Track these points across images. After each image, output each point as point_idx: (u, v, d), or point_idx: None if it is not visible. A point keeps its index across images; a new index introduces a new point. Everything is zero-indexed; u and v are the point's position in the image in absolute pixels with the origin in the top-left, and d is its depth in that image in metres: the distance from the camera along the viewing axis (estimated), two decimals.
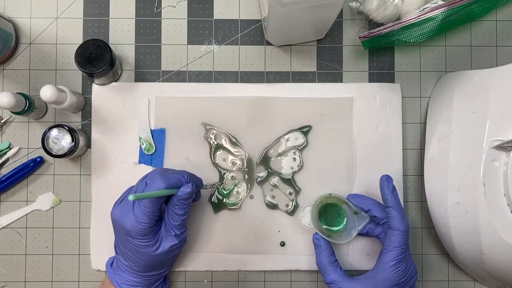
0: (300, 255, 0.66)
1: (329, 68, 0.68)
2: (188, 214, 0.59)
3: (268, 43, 0.68)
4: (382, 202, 0.62)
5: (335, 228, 0.63)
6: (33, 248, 0.66)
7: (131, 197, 0.51)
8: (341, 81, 0.68)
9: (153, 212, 0.56)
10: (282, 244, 0.66)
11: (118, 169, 0.66)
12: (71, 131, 0.61)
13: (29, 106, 0.62)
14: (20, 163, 0.66)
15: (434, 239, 0.68)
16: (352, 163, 0.67)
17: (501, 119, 0.58)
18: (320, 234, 0.62)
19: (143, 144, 0.66)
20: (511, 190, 0.57)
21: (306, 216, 0.64)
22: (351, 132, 0.67)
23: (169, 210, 0.58)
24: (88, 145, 0.67)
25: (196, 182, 0.60)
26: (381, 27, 0.63)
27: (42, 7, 0.68)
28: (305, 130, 0.67)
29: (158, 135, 0.66)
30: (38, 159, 0.66)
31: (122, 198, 0.60)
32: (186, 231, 0.60)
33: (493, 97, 0.59)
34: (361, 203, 0.62)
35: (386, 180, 0.60)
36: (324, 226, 0.63)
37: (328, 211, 0.63)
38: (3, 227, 0.66)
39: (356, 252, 0.66)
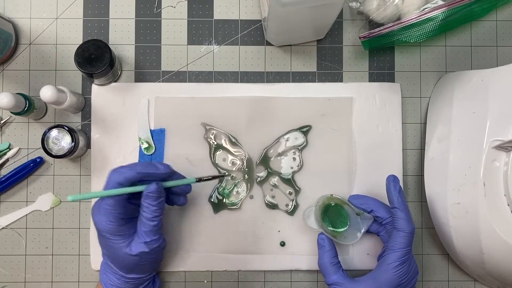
0: (300, 255, 0.66)
1: (329, 68, 0.68)
2: (159, 219, 0.55)
3: (268, 43, 0.68)
4: (383, 201, 0.62)
5: (340, 230, 0.63)
6: (33, 249, 0.66)
7: (69, 198, 0.51)
8: (341, 81, 0.68)
9: (115, 211, 0.54)
10: (282, 244, 0.66)
11: None
12: (71, 131, 0.61)
13: (29, 107, 0.62)
14: (20, 163, 0.66)
15: (434, 239, 0.68)
16: (352, 162, 0.67)
17: (501, 119, 0.58)
18: (326, 234, 0.61)
19: (142, 144, 0.66)
20: (511, 190, 0.57)
21: (310, 217, 0.64)
22: (351, 132, 0.67)
23: (140, 213, 0.55)
24: (88, 145, 0.67)
25: (161, 176, 0.55)
26: (381, 27, 0.63)
27: (42, 7, 0.68)
28: (305, 130, 0.67)
29: (158, 135, 0.66)
30: (38, 160, 0.66)
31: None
32: (160, 238, 0.56)
33: (493, 97, 0.59)
34: (363, 204, 0.62)
35: (392, 180, 0.59)
36: (330, 228, 0.62)
37: (330, 212, 0.63)
38: (3, 228, 0.66)
39: (356, 252, 0.66)
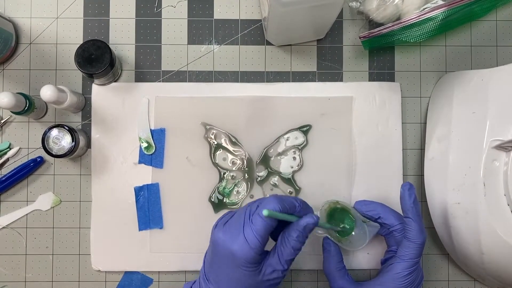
0: (300, 255, 0.66)
1: (329, 68, 0.68)
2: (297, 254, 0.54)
3: (268, 43, 0.68)
4: (387, 202, 0.61)
5: (345, 235, 0.61)
6: (33, 248, 0.66)
7: (265, 212, 0.48)
8: (341, 81, 0.68)
9: (265, 238, 0.51)
10: None
11: (118, 169, 0.66)
12: (71, 131, 0.61)
13: (29, 106, 0.62)
14: (20, 163, 0.66)
15: (434, 239, 0.68)
16: (351, 162, 0.67)
17: (501, 119, 0.58)
18: (331, 238, 0.61)
19: (143, 144, 0.66)
20: (511, 190, 0.57)
21: None
22: (351, 131, 0.67)
23: (285, 242, 0.53)
24: (88, 145, 0.67)
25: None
26: (381, 27, 0.63)
27: (42, 7, 0.68)
28: (304, 130, 0.67)
29: (158, 135, 0.66)
30: (38, 159, 0.66)
31: (226, 221, 0.54)
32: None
33: (493, 97, 0.59)
34: (370, 210, 0.60)
35: (408, 189, 0.57)
36: (337, 235, 0.61)
37: (335, 217, 0.61)
38: (3, 227, 0.66)
39: (356, 252, 0.66)
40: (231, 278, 0.52)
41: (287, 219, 0.52)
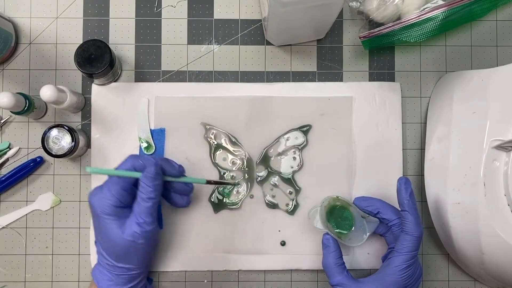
0: (300, 255, 0.66)
1: (329, 68, 0.68)
2: (154, 202, 0.56)
3: (268, 43, 0.68)
4: (387, 201, 0.62)
5: (345, 231, 0.62)
6: (33, 248, 0.66)
7: (87, 168, 0.54)
8: (341, 81, 0.68)
9: (118, 192, 0.56)
10: (283, 243, 0.66)
11: None
12: (71, 131, 0.61)
13: (29, 106, 0.62)
14: (20, 163, 0.66)
15: (434, 239, 0.68)
16: (352, 162, 0.67)
17: (501, 119, 0.58)
18: (331, 234, 0.61)
19: (142, 144, 0.66)
20: (511, 190, 0.57)
21: (316, 217, 0.63)
22: (351, 131, 0.67)
23: (137, 195, 0.57)
24: (88, 145, 0.67)
25: (171, 168, 0.58)
26: (381, 27, 0.63)
27: (42, 7, 0.68)
28: (305, 130, 0.67)
29: (158, 135, 0.66)
30: (38, 159, 0.66)
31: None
32: (153, 223, 0.56)
33: (493, 97, 0.59)
34: (368, 206, 0.61)
35: (404, 183, 0.58)
36: (336, 230, 0.62)
37: (336, 213, 0.62)
38: (3, 227, 0.66)
39: (357, 251, 0.66)
40: (101, 231, 0.56)
41: (113, 174, 0.56)
